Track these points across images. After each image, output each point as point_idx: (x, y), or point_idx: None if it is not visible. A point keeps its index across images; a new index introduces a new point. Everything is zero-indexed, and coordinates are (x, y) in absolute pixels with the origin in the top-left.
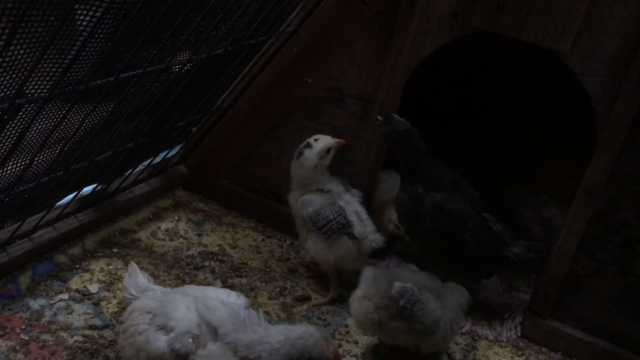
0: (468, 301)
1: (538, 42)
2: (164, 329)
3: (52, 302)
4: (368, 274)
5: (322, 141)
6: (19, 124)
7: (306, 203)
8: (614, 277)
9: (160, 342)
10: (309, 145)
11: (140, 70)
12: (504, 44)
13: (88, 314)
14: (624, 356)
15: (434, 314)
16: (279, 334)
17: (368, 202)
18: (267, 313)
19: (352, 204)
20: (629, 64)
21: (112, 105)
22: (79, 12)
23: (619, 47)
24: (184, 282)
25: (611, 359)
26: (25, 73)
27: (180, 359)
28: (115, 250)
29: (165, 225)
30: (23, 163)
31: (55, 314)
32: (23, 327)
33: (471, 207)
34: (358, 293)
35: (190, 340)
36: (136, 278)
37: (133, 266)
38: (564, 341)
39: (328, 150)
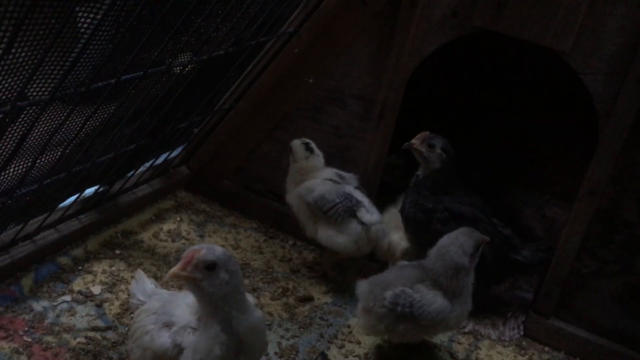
0: (476, 239)
1: (539, 40)
2: (168, 326)
3: (54, 303)
4: (362, 287)
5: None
6: (20, 126)
7: (310, 188)
8: (616, 276)
9: (164, 338)
10: (309, 143)
11: (142, 72)
12: (505, 43)
13: (91, 315)
14: (626, 354)
15: (435, 304)
16: None
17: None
18: (269, 314)
19: (353, 193)
20: (631, 62)
21: (113, 107)
22: (79, 14)
23: (620, 46)
24: None
25: (614, 358)
26: (27, 76)
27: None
28: (117, 251)
29: (168, 226)
30: (25, 165)
31: (58, 316)
32: (26, 329)
33: (480, 212)
34: (359, 307)
35: (191, 333)
36: (143, 284)
37: (139, 273)
38: (566, 340)
39: None
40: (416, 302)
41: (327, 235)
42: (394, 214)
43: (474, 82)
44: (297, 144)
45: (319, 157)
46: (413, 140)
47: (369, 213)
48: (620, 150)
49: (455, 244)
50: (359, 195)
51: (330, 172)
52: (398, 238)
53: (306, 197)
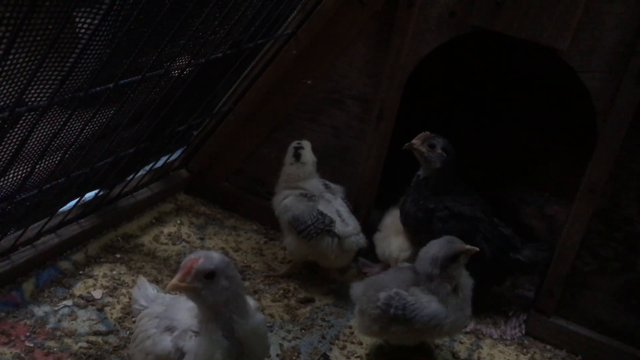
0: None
1: (537, 39)
2: (170, 330)
3: (56, 308)
4: (356, 289)
5: (305, 142)
6: (19, 132)
7: (287, 207)
8: (617, 274)
9: (166, 342)
10: (300, 148)
11: (140, 76)
12: (503, 42)
13: (92, 320)
14: (628, 352)
15: (429, 309)
16: None
17: (369, 205)
18: (270, 316)
19: (333, 203)
20: (628, 59)
21: (112, 111)
22: (77, 19)
23: (618, 43)
24: None
25: (616, 355)
26: (25, 81)
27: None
28: (118, 255)
29: (168, 229)
30: (24, 171)
31: (59, 321)
32: (28, 334)
33: (481, 211)
34: (356, 308)
35: (193, 336)
36: (145, 290)
37: (141, 279)
38: (568, 338)
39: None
40: (409, 305)
41: (295, 246)
42: (395, 216)
43: (473, 82)
44: (291, 146)
45: (303, 167)
46: (414, 141)
47: (344, 223)
48: (619, 148)
49: (428, 253)
50: (337, 204)
51: (316, 183)
52: (397, 249)
53: (282, 215)
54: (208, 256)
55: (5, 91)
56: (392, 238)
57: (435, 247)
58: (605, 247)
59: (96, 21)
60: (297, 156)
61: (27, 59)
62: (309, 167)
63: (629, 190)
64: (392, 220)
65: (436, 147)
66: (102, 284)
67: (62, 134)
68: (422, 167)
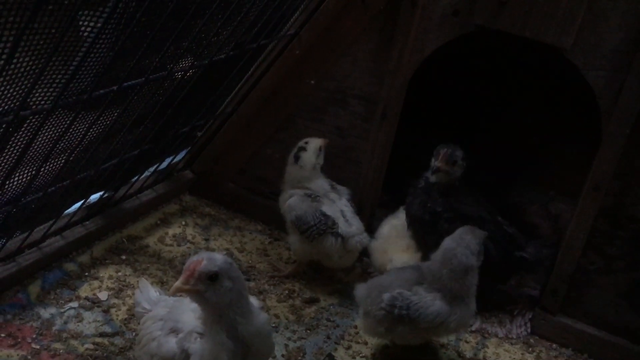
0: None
1: (540, 38)
2: (175, 331)
3: (62, 310)
4: (360, 291)
5: (313, 142)
6: (24, 135)
7: (292, 206)
8: (622, 272)
9: (171, 344)
10: (302, 149)
11: (143, 78)
12: (506, 40)
13: (98, 321)
14: (634, 350)
15: (433, 307)
16: None
17: (373, 205)
18: (276, 316)
19: (337, 203)
20: (632, 57)
21: (116, 114)
22: (80, 22)
23: (621, 41)
24: None
25: (621, 354)
26: (29, 85)
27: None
28: (123, 257)
29: (173, 230)
30: (29, 173)
31: (65, 323)
32: (34, 336)
33: (485, 211)
34: (360, 310)
35: (198, 338)
36: (147, 293)
37: (143, 282)
38: (574, 337)
39: (319, 148)
40: (413, 305)
41: (299, 246)
42: (393, 225)
43: (477, 80)
44: (297, 144)
45: (301, 169)
46: (439, 164)
47: (347, 224)
48: (624, 146)
49: (461, 244)
50: (342, 204)
51: (321, 183)
52: (398, 258)
53: (287, 215)
54: (211, 258)
55: (9, 94)
56: (395, 253)
57: (468, 236)
58: (610, 246)
59: (99, 24)
60: (296, 158)
61: (31, 62)
62: (305, 171)
63: (633, 188)
64: (389, 229)
65: (457, 162)
66: (107, 286)
67: (67, 137)
68: (438, 177)
